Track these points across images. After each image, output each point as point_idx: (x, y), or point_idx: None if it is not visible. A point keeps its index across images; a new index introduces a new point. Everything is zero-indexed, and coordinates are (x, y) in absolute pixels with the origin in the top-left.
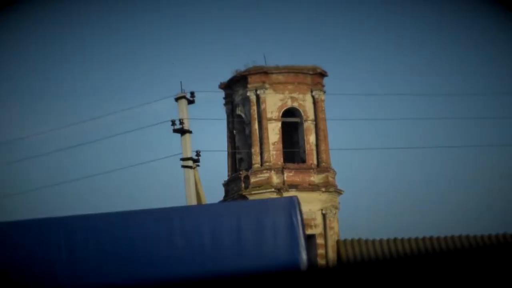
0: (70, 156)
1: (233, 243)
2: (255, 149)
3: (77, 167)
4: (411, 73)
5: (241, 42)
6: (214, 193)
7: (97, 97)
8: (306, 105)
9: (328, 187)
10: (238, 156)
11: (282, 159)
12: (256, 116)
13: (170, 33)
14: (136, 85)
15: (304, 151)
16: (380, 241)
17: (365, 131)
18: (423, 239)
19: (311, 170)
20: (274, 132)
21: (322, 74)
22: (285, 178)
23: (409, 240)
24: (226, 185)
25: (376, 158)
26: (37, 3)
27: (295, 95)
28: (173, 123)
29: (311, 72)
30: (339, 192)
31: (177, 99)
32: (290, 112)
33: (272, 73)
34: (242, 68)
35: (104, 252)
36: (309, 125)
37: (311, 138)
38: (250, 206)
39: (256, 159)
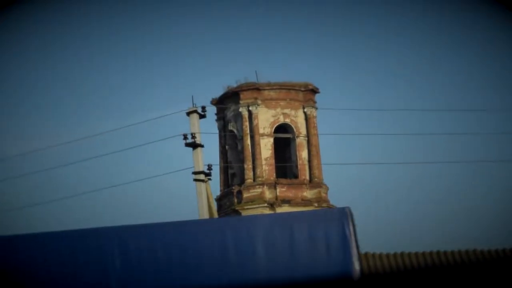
0: (78, 170)
1: (286, 253)
2: (248, 165)
3: (84, 182)
4: (406, 88)
5: (233, 58)
6: None
7: (106, 110)
8: (298, 121)
9: (321, 202)
10: (230, 171)
11: (274, 174)
12: (248, 131)
13: (162, 47)
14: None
15: (297, 167)
16: (395, 254)
17: (357, 147)
18: (444, 252)
19: (304, 186)
20: (266, 147)
21: (314, 91)
22: (277, 193)
23: (430, 253)
24: (219, 200)
25: (368, 173)
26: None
27: (287, 111)
28: (185, 137)
29: (303, 89)
30: (331, 207)
31: (188, 113)
32: (282, 128)
33: (264, 89)
34: (234, 84)
35: (157, 261)
36: (301, 141)
37: (304, 154)
38: (303, 217)
39: (249, 174)
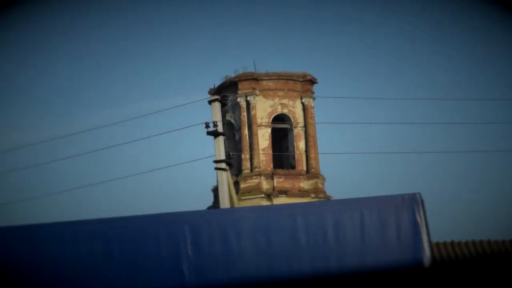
0: (97, 159)
1: (356, 239)
2: (245, 155)
3: (104, 170)
4: (404, 77)
5: (231, 48)
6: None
7: (130, 98)
8: (296, 111)
9: (318, 193)
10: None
11: (272, 165)
12: (246, 122)
13: (159, 37)
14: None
15: (294, 157)
16: (466, 242)
17: (354, 136)
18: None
19: (301, 176)
20: (264, 138)
21: (312, 81)
22: (275, 184)
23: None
24: (216, 190)
25: (363, 164)
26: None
27: (285, 101)
28: (207, 125)
29: (301, 79)
30: (328, 198)
31: (210, 102)
32: (280, 118)
33: (263, 79)
34: (232, 74)
35: (229, 248)
36: (298, 131)
37: (301, 144)
38: (373, 202)
39: (246, 164)
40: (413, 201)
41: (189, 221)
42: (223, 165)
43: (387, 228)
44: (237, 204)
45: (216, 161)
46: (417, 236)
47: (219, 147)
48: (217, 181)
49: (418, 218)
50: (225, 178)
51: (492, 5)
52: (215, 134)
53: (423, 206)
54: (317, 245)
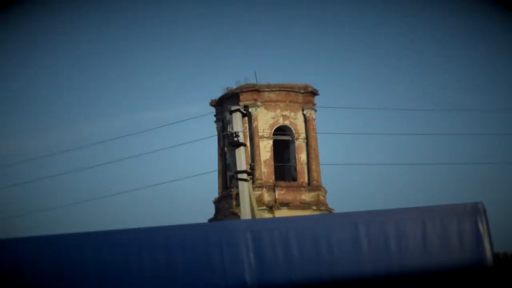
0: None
1: (418, 248)
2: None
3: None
4: (406, 87)
5: (232, 59)
6: None
7: (131, 108)
8: (297, 123)
9: (319, 205)
10: (229, 173)
11: (273, 176)
12: (248, 133)
13: (161, 48)
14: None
15: (295, 169)
16: None
17: (355, 148)
18: None
19: (302, 189)
20: (265, 149)
21: (314, 93)
22: (276, 196)
23: None
24: (217, 202)
25: (365, 176)
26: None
27: (286, 113)
28: (229, 136)
29: (302, 91)
30: (329, 210)
31: (231, 112)
32: (281, 130)
33: (264, 91)
34: (233, 85)
35: (290, 255)
36: (300, 143)
37: (302, 156)
38: (435, 211)
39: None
40: (475, 211)
41: (251, 229)
42: (245, 176)
43: (449, 237)
44: (257, 214)
45: (237, 172)
46: (479, 245)
47: (240, 157)
48: (239, 191)
49: (480, 227)
50: (247, 188)
51: (492, 5)
52: (236, 144)
53: (485, 216)
54: (379, 253)
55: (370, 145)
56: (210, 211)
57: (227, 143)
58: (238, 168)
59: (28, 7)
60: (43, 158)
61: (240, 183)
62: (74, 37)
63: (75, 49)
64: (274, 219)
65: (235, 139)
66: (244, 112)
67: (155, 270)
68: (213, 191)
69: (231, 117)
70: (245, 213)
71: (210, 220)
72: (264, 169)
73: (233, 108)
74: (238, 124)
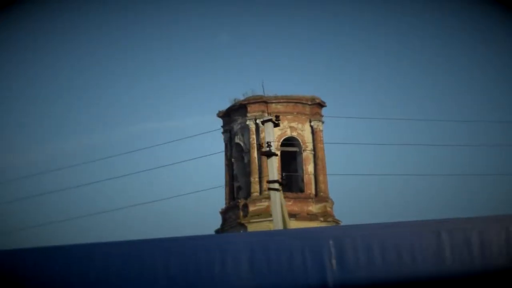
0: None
1: (502, 255)
2: (254, 178)
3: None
4: (412, 98)
5: (238, 70)
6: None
7: (140, 117)
8: (305, 134)
9: (326, 216)
10: (236, 184)
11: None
12: (255, 144)
13: (167, 59)
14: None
15: (303, 180)
16: None
17: (362, 159)
18: None
19: (310, 200)
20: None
21: (321, 105)
22: None
23: None
24: (224, 213)
25: (372, 188)
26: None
27: (294, 124)
28: (261, 146)
29: (309, 103)
30: (336, 222)
31: (263, 122)
32: (289, 141)
33: (272, 102)
34: (240, 97)
35: (373, 262)
36: (307, 154)
37: (310, 168)
38: None
39: (255, 187)
40: None
41: (334, 236)
42: (277, 185)
43: None
44: (288, 224)
45: (269, 181)
46: None
47: (272, 167)
48: (271, 200)
49: None
50: (279, 198)
51: (492, 5)
52: (268, 154)
53: None
54: (462, 260)
55: (377, 155)
56: (217, 222)
57: (260, 152)
58: (270, 178)
59: (28, 7)
60: (41, 174)
61: (272, 193)
62: (74, 39)
63: (75, 53)
64: (356, 226)
65: (267, 148)
66: (276, 122)
67: (239, 274)
68: (219, 201)
69: (239, 129)
70: (276, 222)
71: (217, 231)
72: None
73: (265, 118)
74: (270, 133)
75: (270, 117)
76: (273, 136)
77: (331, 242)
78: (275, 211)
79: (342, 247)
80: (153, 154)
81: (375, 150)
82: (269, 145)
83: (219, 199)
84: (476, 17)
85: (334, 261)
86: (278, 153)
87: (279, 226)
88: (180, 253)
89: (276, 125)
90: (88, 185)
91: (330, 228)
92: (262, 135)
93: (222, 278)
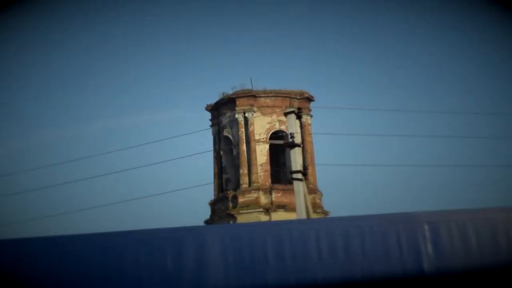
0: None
1: None
2: (243, 170)
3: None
4: (403, 89)
5: (227, 64)
6: (333, 206)
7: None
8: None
9: (316, 208)
10: (224, 176)
11: (270, 180)
12: (244, 137)
13: (156, 53)
14: None
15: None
16: None
17: (350, 150)
18: None
19: None
20: (262, 153)
21: (309, 99)
22: (273, 199)
23: None
24: (213, 204)
25: (359, 179)
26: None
27: (282, 118)
28: (284, 137)
29: (298, 97)
30: (325, 213)
31: (286, 114)
32: (277, 135)
33: (260, 96)
34: (229, 90)
35: (467, 245)
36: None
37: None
38: None
39: (244, 179)
40: None
41: (428, 220)
42: (300, 176)
43: None
44: (312, 214)
45: (292, 172)
46: None
47: (295, 158)
48: (295, 191)
49: None
50: (302, 188)
51: (492, 5)
52: (291, 145)
53: None
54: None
55: (366, 147)
56: (206, 213)
57: (284, 143)
58: (293, 169)
59: (28, 7)
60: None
61: (296, 183)
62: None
63: (70, 50)
64: (450, 211)
65: (291, 140)
66: (299, 114)
67: (335, 257)
68: (208, 193)
69: (227, 122)
70: (300, 212)
71: (206, 222)
72: (260, 172)
73: (288, 110)
74: (292, 125)
75: (293, 109)
76: (295, 127)
77: (426, 226)
78: (299, 201)
79: (437, 231)
80: (142, 149)
81: (363, 141)
82: (292, 136)
83: (208, 191)
84: (476, 17)
85: (429, 244)
86: (267, 146)
87: (302, 215)
88: (276, 236)
89: (298, 117)
90: (81, 180)
91: (425, 213)
92: (250, 129)
93: (320, 263)
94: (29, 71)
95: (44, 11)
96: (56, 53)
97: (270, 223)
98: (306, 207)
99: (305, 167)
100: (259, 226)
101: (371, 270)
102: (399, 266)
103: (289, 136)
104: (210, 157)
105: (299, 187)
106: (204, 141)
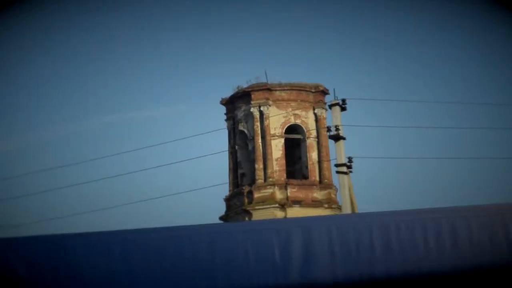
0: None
1: None
2: (259, 165)
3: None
4: (415, 82)
5: (241, 58)
6: (366, 200)
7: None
8: (308, 122)
9: (331, 203)
10: (240, 171)
11: (285, 175)
12: (259, 132)
13: (172, 46)
14: None
15: (306, 167)
16: None
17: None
18: None
19: (314, 187)
20: (277, 148)
21: (324, 92)
22: (288, 194)
23: None
24: (228, 200)
25: (374, 175)
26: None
27: (298, 112)
28: (328, 129)
29: (313, 90)
30: (340, 208)
31: (330, 106)
32: (292, 128)
33: (276, 90)
34: (243, 84)
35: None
36: (311, 142)
37: (314, 155)
38: None
39: (260, 174)
40: None
41: (504, 213)
42: (344, 169)
43: None
44: (356, 207)
45: (337, 165)
46: None
47: (340, 151)
48: (339, 184)
49: None
50: (347, 182)
51: (492, 5)
52: (336, 138)
53: None
54: None
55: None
56: (221, 209)
57: (328, 136)
58: (338, 162)
59: (28, 7)
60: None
61: (341, 176)
62: (73, 37)
63: (78, 49)
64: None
65: (336, 132)
66: (343, 106)
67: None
68: (223, 189)
69: (242, 116)
70: (345, 205)
71: (221, 218)
72: (275, 167)
73: (332, 102)
74: (337, 117)
75: (338, 101)
76: (340, 119)
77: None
78: (344, 194)
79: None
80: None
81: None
82: (337, 129)
83: (221, 187)
84: (476, 17)
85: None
86: (282, 140)
87: (347, 209)
88: (382, 227)
89: (343, 109)
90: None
91: (499, 205)
92: (266, 123)
93: (427, 255)
94: (28, 70)
95: (44, 11)
96: (55, 53)
97: (375, 213)
98: (351, 200)
99: (350, 160)
100: (364, 217)
101: (480, 261)
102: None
103: (334, 128)
104: (224, 151)
105: (344, 180)
106: (218, 136)
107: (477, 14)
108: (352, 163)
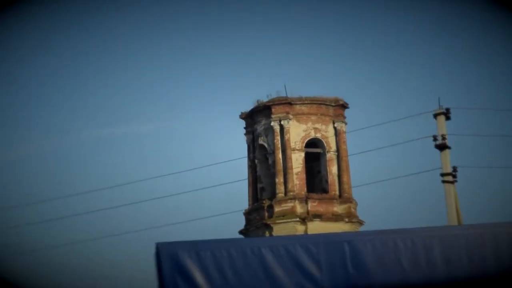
0: None
1: None
2: (279, 179)
3: None
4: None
5: (261, 72)
6: (471, 210)
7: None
8: (328, 136)
9: (351, 217)
10: (259, 185)
11: (305, 189)
12: (279, 146)
13: (190, 61)
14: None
15: (326, 181)
16: None
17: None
18: None
19: (334, 201)
20: (297, 162)
21: (344, 106)
22: (309, 208)
23: None
24: (248, 214)
25: (394, 189)
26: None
27: (318, 126)
28: (434, 138)
29: (333, 104)
30: (360, 223)
31: (435, 115)
32: (312, 142)
33: (296, 104)
34: (264, 98)
35: None
36: (331, 156)
37: (334, 169)
38: None
39: (280, 188)
40: None
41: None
42: (450, 178)
43: None
44: (461, 218)
45: (443, 174)
46: None
47: (446, 160)
48: (445, 194)
49: None
50: (453, 191)
51: (492, 5)
52: (442, 147)
53: None
54: None
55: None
56: (240, 223)
57: (435, 145)
58: (444, 171)
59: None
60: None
61: (446, 185)
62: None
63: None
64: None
65: (442, 141)
66: (448, 115)
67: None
68: (241, 202)
69: (262, 130)
70: (452, 216)
71: (241, 232)
72: (296, 181)
73: (437, 111)
74: (442, 127)
75: (443, 110)
76: (445, 129)
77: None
78: (450, 204)
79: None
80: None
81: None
82: (443, 138)
83: (242, 200)
84: (476, 17)
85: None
86: (303, 154)
87: (453, 219)
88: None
89: (447, 118)
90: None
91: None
92: (286, 137)
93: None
94: (26, 74)
95: (44, 11)
96: (57, 53)
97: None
98: (456, 210)
99: (454, 169)
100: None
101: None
102: None
103: (441, 137)
104: (244, 165)
105: (450, 190)
106: (236, 149)
107: (477, 14)
108: (457, 173)
